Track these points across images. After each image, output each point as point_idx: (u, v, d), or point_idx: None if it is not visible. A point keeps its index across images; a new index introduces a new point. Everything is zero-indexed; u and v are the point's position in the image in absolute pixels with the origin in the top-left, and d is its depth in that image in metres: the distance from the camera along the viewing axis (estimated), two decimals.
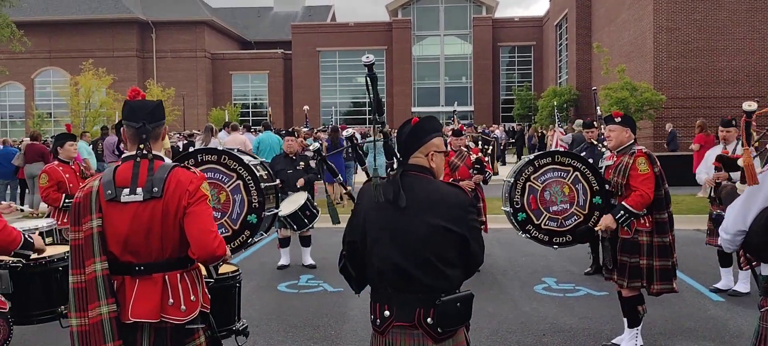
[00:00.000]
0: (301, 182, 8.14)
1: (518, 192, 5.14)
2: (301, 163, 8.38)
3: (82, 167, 6.83)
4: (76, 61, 39.21)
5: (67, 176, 6.47)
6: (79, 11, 48.17)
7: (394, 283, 2.58)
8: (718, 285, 6.95)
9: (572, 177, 5.06)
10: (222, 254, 2.80)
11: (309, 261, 8.43)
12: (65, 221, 6.30)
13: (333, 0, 64.84)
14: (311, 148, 4.70)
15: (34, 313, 4.00)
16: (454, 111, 12.23)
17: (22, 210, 5.33)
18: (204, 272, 3.06)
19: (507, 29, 51.15)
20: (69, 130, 7.39)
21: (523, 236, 5.24)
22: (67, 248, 4.21)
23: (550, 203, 5.11)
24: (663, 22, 24.81)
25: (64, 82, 38.43)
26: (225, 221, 4.61)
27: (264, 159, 5.37)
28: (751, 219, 2.72)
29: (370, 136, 17.33)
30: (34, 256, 3.69)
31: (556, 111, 19.88)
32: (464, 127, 9.65)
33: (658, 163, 4.92)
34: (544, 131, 28.82)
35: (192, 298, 2.85)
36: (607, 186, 5.03)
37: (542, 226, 5.16)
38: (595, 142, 8.06)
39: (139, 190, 2.79)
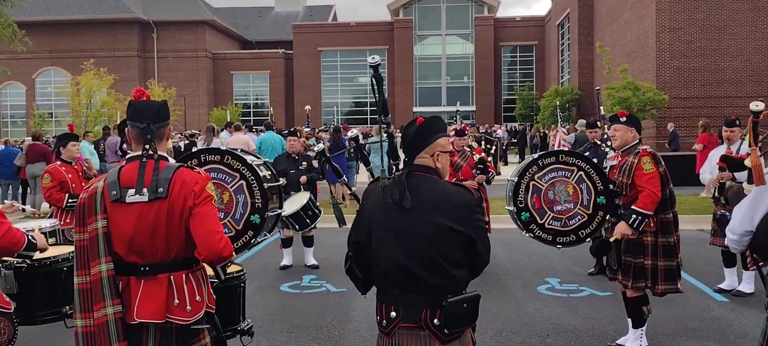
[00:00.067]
0: (304, 179, 8.14)
1: (522, 191, 5.12)
2: (304, 163, 8.37)
3: (84, 168, 6.82)
4: (77, 61, 39.22)
5: (69, 176, 6.46)
6: (80, 11, 48.21)
7: (400, 284, 2.57)
8: (722, 285, 6.93)
9: (576, 177, 5.05)
10: (228, 255, 2.79)
11: (312, 261, 8.42)
12: (68, 221, 6.29)
13: (334, 0, 64.88)
14: (316, 149, 4.68)
15: (38, 313, 4.00)
16: (457, 111, 12.22)
17: (24, 210, 5.33)
18: (209, 272, 3.05)
19: (509, 29, 51.12)
20: (72, 131, 7.38)
21: (527, 235, 5.23)
22: (71, 248, 4.20)
23: (554, 202, 5.10)
24: (665, 21, 24.79)
25: (65, 82, 38.47)
26: (228, 221, 4.60)
27: (267, 159, 5.37)
28: (759, 219, 2.71)
29: (372, 136, 17.32)
30: (37, 255, 3.69)
31: (558, 111, 19.87)
32: (467, 127, 9.63)
33: (663, 163, 4.90)
34: (546, 131, 28.81)
35: (197, 298, 2.85)
36: (611, 186, 5.02)
37: (546, 225, 5.15)
38: (599, 142, 8.05)
39: (144, 190, 2.78)
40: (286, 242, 8.44)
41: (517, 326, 5.88)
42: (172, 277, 2.81)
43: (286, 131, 12.46)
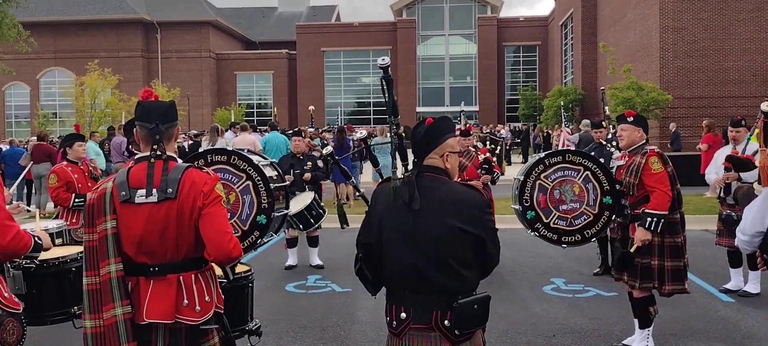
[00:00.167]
0: (307, 177, 8.14)
1: (528, 190, 5.12)
2: (309, 163, 8.38)
3: (90, 168, 6.83)
4: (82, 62, 39.34)
5: (75, 176, 6.48)
6: (84, 12, 48.34)
7: (411, 285, 2.56)
8: (728, 286, 6.92)
9: (583, 176, 5.04)
10: (238, 256, 2.80)
11: (316, 261, 8.43)
12: (74, 221, 6.32)
13: (337, 0, 64.92)
14: (324, 151, 4.68)
15: (47, 314, 4.01)
16: (461, 111, 12.19)
17: (29, 211, 5.34)
18: (218, 272, 3.06)
19: (512, 29, 51.11)
20: (78, 131, 7.39)
21: (532, 234, 5.21)
22: (79, 248, 4.21)
23: (559, 201, 5.08)
24: (669, 21, 24.74)
25: (69, 83, 38.60)
26: (235, 221, 4.59)
27: (273, 159, 5.37)
28: None
29: (376, 136, 17.32)
30: (43, 255, 3.70)
31: (562, 111, 19.85)
32: (472, 127, 9.62)
33: (670, 163, 4.89)
34: (550, 131, 28.78)
35: (206, 298, 2.85)
36: (617, 186, 5.01)
37: (551, 225, 5.13)
38: (604, 142, 8.04)
39: (154, 191, 2.78)
40: (291, 242, 8.45)
41: (523, 326, 5.87)
42: (181, 277, 2.81)
43: (291, 131, 12.48)
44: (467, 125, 9.22)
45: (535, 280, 7.61)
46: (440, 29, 51.92)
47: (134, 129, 2.98)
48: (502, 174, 12.72)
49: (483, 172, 7.90)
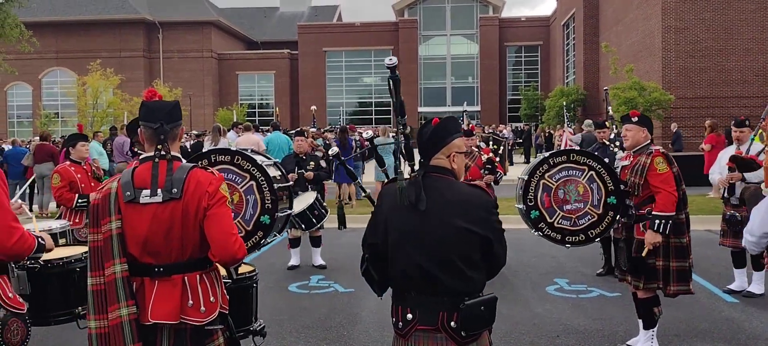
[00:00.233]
0: (310, 175, 8.14)
1: (532, 189, 5.10)
2: (311, 163, 8.38)
3: (93, 168, 6.83)
4: (84, 62, 39.37)
5: (78, 176, 6.47)
6: (86, 12, 48.39)
7: (417, 285, 2.55)
8: (732, 286, 6.90)
9: (587, 176, 5.02)
10: (242, 257, 2.80)
11: (319, 261, 8.42)
12: (78, 220, 6.31)
13: (339, 0, 64.90)
14: (330, 152, 4.68)
15: (51, 314, 4.00)
16: (464, 111, 12.21)
17: (30, 215, 5.34)
18: (223, 272, 3.05)
19: (514, 29, 51.09)
20: (81, 131, 7.39)
21: (536, 234, 5.20)
22: (84, 248, 4.21)
23: (563, 201, 5.07)
24: (671, 21, 24.72)
25: (71, 83, 38.59)
26: (238, 221, 4.59)
27: (276, 159, 5.36)
28: None
29: (378, 136, 17.31)
30: (44, 256, 3.69)
31: (565, 111, 19.82)
32: (475, 127, 9.61)
33: (676, 163, 4.88)
34: (552, 131, 28.76)
35: (211, 299, 2.84)
36: (622, 186, 5.00)
37: (555, 225, 5.11)
38: (607, 143, 8.02)
39: (158, 191, 2.78)
40: (294, 242, 8.45)
41: (526, 326, 5.86)
42: (186, 278, 2.80)
43: (293, 131, 12.48)
44: (470, 125, 9.21)
45: (537, 280, 7.60)
46: (442, 29, 51.90)
47: (139, 129, 2.97)
48: (505, 174, 12.72)
49: (486, 172, 7.89)
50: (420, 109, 49.20)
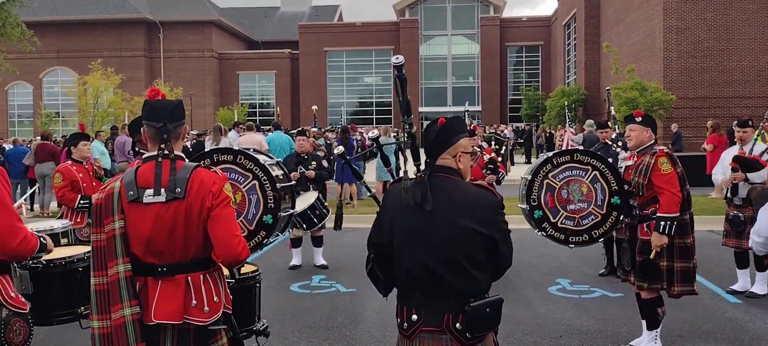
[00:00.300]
0: (311, 174, 8.13)
1: (536, 189, 5.09)
2: (313, 162, 8.37)
3: (95, 167, 6.82)
4: (84, 61, 39.34)
5: (80, 175, 6.46)
6: (87, 11, 48.37)
7: (422, 286, 2.54)
8: (735, 287, 6.88)
9: (591, 176, 5.01)
10: (246, 258, 2.80)
11: (321, 261, 8.41)
12: (79, 220, 6.30)
13: (340, 0, 64.88)
14: (335, 151, 4.67)
15: (54, 314, 3.99)
16: (466, 111, 12.20)
17: (30, 209, 5.35)
18: (225, 272, 3.04)
19: (514, 29, 51.04)
20: (83, 130, 7.37)
21: (540, 233, 5.19)
22: (86, 248, 4.19)
23: (567, 201, 5.05)
24: (673, 21, 24.69)
25: (72, 82, 38.56)
26: (241, 221, 4.57)
27: (279, 159, 5.35)
28: None
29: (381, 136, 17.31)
30: (49, 256, 3.68)
31: (566, 111, 19.80)
32: (477, 127, 9.60)
33: (680, 163, 4.86)
34: (552, 131, 28.74)
35: (215, 299, 2.83)
36: (626, 186, 4.98)
37: (559, 225, 5.10)
38: (610, 142, 8.01)
39: (162, 191, 2.76)
40: (296, 242, 8.44)
41: (529, 326, 5.85)
42: (189, 277, 2.79)
43: (294, 131, 12.46)
44: (472, 125, 9.19)
45: (540, 280, 7.58)
46: (443, 29, 51.87)
47: (142, 128, 2.96)
48: (507, 174, 12.71)
49: (488, 172, 7.88)
50: (421, 109, 49.18)
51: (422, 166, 2.69)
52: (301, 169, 8.16)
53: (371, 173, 15.61)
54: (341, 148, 4.18)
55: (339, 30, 53.29)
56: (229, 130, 16.49)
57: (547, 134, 29.06)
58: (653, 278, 4.86)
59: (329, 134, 17.71)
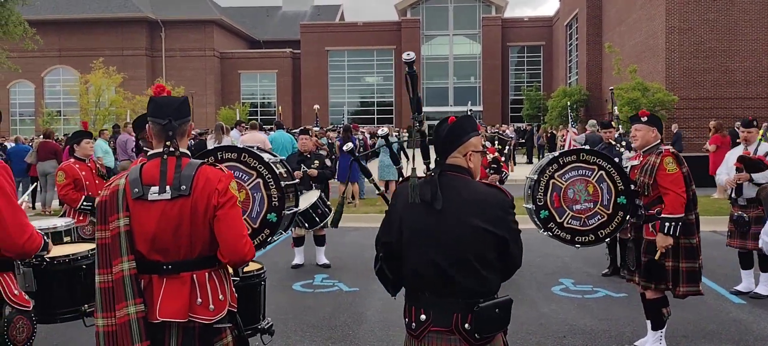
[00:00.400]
0: (313, 172, 8.12)
1: (541, 189, 5.06)
2: (316, 161, 8.36)
3: (98, 165, 6.80)
4: (86, 60, 39.31)
5: (83, 173, 6.45)
6: (89, 10, 48.40)
7: (431, 285, 2.52)
8: (739, 287, 6.86)
9: (597, 176, 4.98)
10: (252, 258, 2.78)
11: (323, 260, 8.39)
12: (82, 219, 6.28)
13: (341, 0, 64.89)
14: (344, 148, 4.66)
15: (57, 311, 3.97)
16: (469, 111, 12.13)
17: (32, 207, 5.34)
18: (231, 270, 3.02)
19: (516, 29, 51.02)
20: (86, 128, 7.36)
21: (545, 234, 5.16)
22: (90, 246, 4.18)
23: (573, 201, 5.03)
24: (675, 22, 24.66)
25: (74, 81, 38.55)
26: (245, 219, 4.55)
27: (283, 158, 5.33)
28: None
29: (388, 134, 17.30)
30: (52, 253, 3.67)
31: (569, 111, 19.77)
32: (480, 127, 9.57)
33: (686, 163, 4.84)
34: (554, 132, 28.72)
35: (220, 297, 2.80)
36: (632, 186, 4.96)
37: (565, 224, 5.07)
38: (614, 142, 7.99)
39: (167, 188, 2.74)
40: (298, 241, 8.42)
41: (532, 326, 5.83)
42: (194, 275, 2.76)
43: (297, 130, 12.45)
44: (477, 125, 9.17)
45: (543, 280, 7.56)
46: (444, 29, 51.85)
47: (147, 125, 2.94)
48: (511, 173, 12.69)
49: (491, 172, 7.86)
50: (422, 109, 49.15)
51: (432, 165, 2.66)
52: (303, 167, 8.15)
53: (374, 173, 15.60)
54: (350, 145, 4.16)
55: (340, 30, 53.28)
56: (232, 129, 16.49)
57: (548, 135, 29.04)
58: (658, 279, 4.84)
59: (331, 134, 17.69)
